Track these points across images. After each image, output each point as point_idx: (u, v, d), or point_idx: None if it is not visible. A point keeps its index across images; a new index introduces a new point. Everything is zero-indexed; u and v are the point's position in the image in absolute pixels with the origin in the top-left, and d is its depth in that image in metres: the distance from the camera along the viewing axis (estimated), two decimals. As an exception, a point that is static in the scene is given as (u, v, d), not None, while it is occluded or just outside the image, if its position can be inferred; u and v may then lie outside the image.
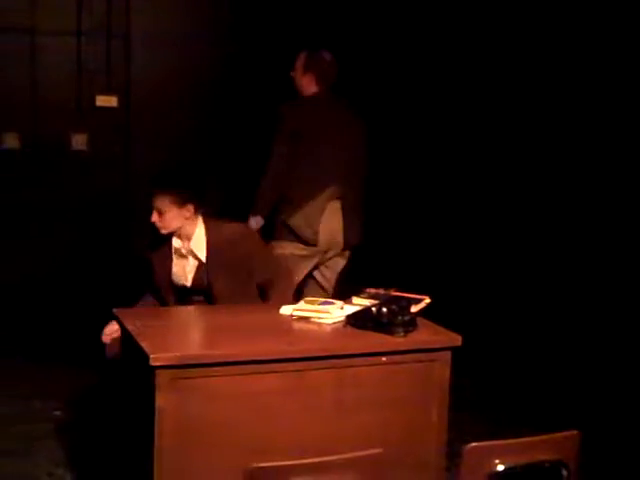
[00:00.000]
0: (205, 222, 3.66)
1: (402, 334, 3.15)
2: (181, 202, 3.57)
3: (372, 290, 3.50)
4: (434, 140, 6.07)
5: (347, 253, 4.72)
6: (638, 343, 4.72)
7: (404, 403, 3.12)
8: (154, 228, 3.60)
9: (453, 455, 3.14)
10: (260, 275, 3.77)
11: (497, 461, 2.25)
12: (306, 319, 3.29)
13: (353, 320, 3.25)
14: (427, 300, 3.42)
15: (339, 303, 3.38)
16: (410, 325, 3.20)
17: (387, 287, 3.52)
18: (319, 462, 2.14)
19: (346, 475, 2.13)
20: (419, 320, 3.28)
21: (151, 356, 2.80)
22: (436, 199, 6.10)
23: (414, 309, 3.30)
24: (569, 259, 5.33)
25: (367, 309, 3.25)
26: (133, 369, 3.07)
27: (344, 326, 3.25)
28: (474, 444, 2.28)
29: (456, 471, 2.29)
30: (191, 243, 3.64)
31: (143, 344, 2.90)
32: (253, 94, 5.84)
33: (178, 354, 2.87)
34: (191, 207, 3.60)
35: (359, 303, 3.40)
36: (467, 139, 5.95)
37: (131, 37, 5.65)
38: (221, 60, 5.84)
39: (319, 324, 3.26)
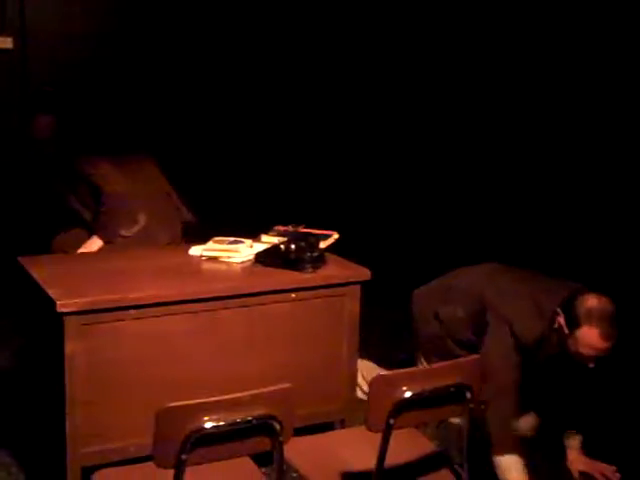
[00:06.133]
0: None
1: (310, 270, 3.18)
2: None
3: (281, 228, 3.52)
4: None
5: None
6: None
7: (315, 338, 3.17)
8: None
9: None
10: None
11: (404, 388, 2.32)
12: (215, 259, 3.29)
13: (262, 258, 3.27)
14: (335, 236, 3.46)
15: (248, 242, 3.38)
16: (318, 261, 3.23)
17: (296, 224, 3.54)
18: (229, 399, 2.16)
19: (256, 410, 2.16)
20: (328, 256, 3.32)
21: (58, 302, 2.76)
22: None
23: (322, 245, 3.33)
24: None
25: (275, 246, 3.26)
26: (41, 317, 3.02)
27: (253, 264, 3.27)
28: (381, 373, 2.35)
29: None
30: None
31: (50, 291, 2.86)
32: (157, 43, 5.68)
33: (86, 299, 2.83)
34: None
35: (268, 241, 3.41)
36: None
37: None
38: (124, 4, 5.65)
39: (228, 263, 3.26)
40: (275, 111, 6.01)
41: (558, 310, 3.17)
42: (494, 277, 3.48)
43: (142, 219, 3.85)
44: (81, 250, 3.78)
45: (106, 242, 3.81)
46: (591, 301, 3.11)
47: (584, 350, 3.10)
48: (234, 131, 5.94)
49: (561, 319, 3.16)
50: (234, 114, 5.92)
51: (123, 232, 3.83)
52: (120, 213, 3.83)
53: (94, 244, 3.81)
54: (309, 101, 6.05)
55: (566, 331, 3.14)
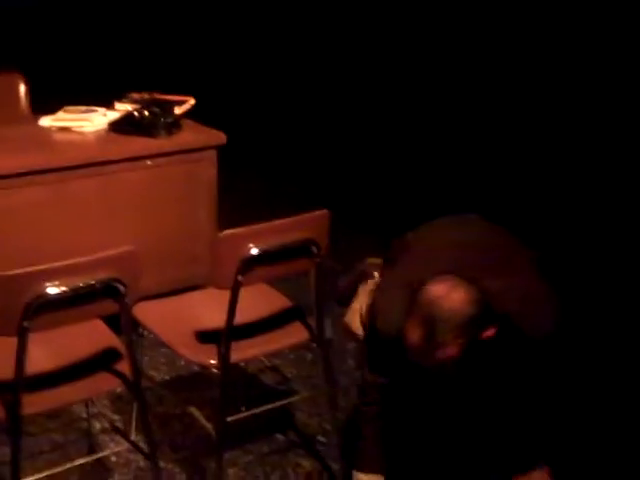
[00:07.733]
0: None
1: (165, 136, 3.14)
2: None
3: (135, 94, 3.42)
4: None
5: None
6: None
7: (171, 204, 3.16)
8: None
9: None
10: None
11: (251, 245, 2.35)
12: (67, 129, 3.19)
13: (115, 126, 3.20)
14: (191, 101, 3.39)
15: (102, 110, 3.29)
16: (173, 127, 3.19)
17: (150, 91, 3.45)
18: (71, 264, 2.13)
19: (100, 274, 2.15)
20: (183, 122, 3.27)
21: None
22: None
23: (178, 111, 3.27)
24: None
25: (129, 113, 3.19)
26: None
27: (107, 133, 3.19)
28: (228, 231, 2.36)
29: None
30: None
31: None
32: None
33: None
34: None
35: (122, 109, 3.32)
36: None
37: None
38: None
39: (81, 133, 3.17)
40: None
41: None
42: None
43: None
44: None
45: None
46: (437, 289, 2.06)
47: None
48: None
49: None
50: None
51: None
52: None
53: None
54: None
55: None
